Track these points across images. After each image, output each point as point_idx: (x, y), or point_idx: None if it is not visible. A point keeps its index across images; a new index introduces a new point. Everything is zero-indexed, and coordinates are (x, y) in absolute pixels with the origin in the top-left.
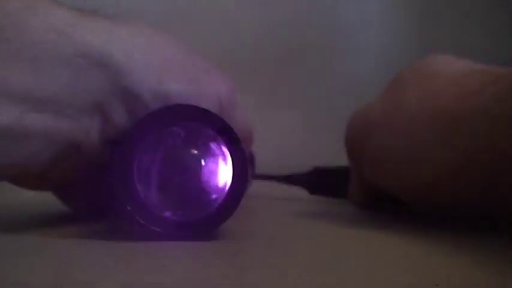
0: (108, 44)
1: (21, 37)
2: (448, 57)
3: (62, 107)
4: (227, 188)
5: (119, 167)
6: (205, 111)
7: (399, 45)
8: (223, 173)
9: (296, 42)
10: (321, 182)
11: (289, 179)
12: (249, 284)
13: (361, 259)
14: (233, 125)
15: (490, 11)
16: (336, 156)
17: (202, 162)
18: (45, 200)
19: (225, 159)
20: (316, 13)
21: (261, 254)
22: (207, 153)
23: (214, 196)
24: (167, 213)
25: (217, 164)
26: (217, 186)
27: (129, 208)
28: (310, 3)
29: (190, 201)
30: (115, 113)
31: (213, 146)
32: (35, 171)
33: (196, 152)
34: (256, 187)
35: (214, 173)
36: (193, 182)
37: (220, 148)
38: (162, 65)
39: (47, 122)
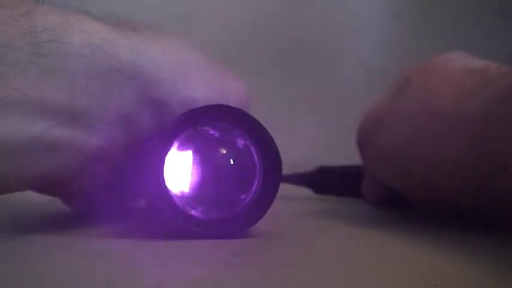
0: (139, 57)
1: (58, 52)
2: (457, 55)
3: (93, 120)
4: (257, 188)
5: (149, 165)
6: (237, 111)
7: (401, 43)
8: (253, 173)
9: (298, 40)
10: (326, 181)
11: (294, 179)
12: (249, 284)
13: (361, 259)
14: None
15: (490, 9)
16: (340, 155)
17: (231, 162)
18: (46, 199)
19: (256, 159)
20: (316, 10)
21: (261, 254)
22: (238, 152)
23: (244, 196)
24: (197, 212)
25: (247, 163)
26: (248, 186)
27: (160, 206)
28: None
29: (220, 200)
30: (142, 123)
31: (244, 145)
32: (61, 180)
33: (225, 151)
34: None
35: (244, 172)
36: (223, 181)
37: (252, 148)
38: (188, 74)
39: (76, 136)
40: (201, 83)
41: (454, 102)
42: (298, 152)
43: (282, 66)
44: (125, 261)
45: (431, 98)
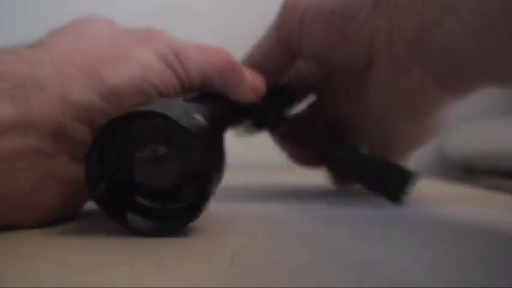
0: (38, 69)
1: None
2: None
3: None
4: (200, 181)
5: (93, 161)
6: (181, 106)
7: None
8: (197, 167)
9: None
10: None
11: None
12: (249, 284)
13: (361, 258)
14: (194, 65)
15: None
16: None
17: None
18: None
19: (198, 154)
20: None
21: (261, 254)
22: (183, 148)
23: (189, 190)
24: (143, 204)
25: (192, 158)
26: (192, 180)
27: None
28: None
29: (166, 194)
30: (75, 132)
31: (187, 141)
32: (15, 199)
33: (171, 145)
34: (261, 185)
35: (189, 167)
36: (169, 176)
37: (194, 143)
38: (94, 66)
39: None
40: (111, 69)
41: None
42: None
43: None
44: (125, 261)
45: None
